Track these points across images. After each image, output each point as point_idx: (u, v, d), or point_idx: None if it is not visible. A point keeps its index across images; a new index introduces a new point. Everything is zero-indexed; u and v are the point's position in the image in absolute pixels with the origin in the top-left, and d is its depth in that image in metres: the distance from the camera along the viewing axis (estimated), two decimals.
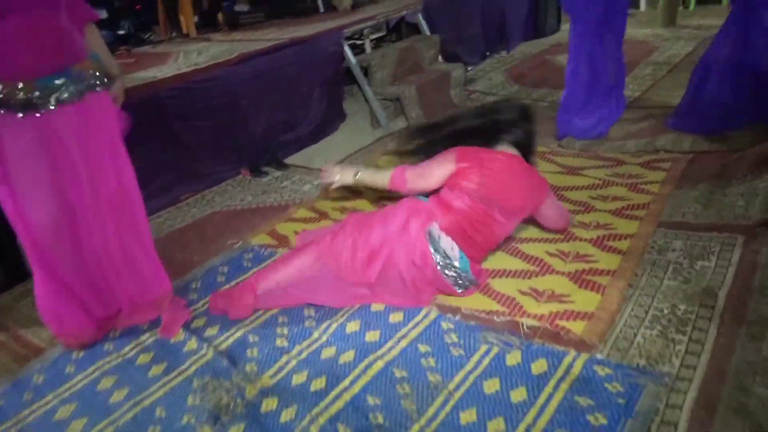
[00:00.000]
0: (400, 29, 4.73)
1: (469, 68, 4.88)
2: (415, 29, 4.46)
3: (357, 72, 3.65)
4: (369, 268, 1.80)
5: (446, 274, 1.83)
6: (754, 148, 2.60)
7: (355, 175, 1.93)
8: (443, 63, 4.28)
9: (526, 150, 2.00)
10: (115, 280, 1.87)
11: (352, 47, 3.92)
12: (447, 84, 4.02)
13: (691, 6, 6.45)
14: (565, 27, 6.22)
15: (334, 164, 2.00)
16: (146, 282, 1.93)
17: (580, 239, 2.19)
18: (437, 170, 1.88)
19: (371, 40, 4.30)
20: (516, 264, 2.10)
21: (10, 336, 2.03)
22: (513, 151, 1.97)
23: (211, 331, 1.93)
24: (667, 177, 2.55)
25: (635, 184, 2.54)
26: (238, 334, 1.89)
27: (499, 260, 2.14)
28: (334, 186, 1.97)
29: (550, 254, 2.12)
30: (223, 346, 1.85)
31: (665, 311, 1.72)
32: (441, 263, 1.82)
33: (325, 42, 3.55)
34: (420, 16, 4.29)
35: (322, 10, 4.79)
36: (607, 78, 3.08)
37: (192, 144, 3.03)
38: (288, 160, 3.42)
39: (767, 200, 2.16)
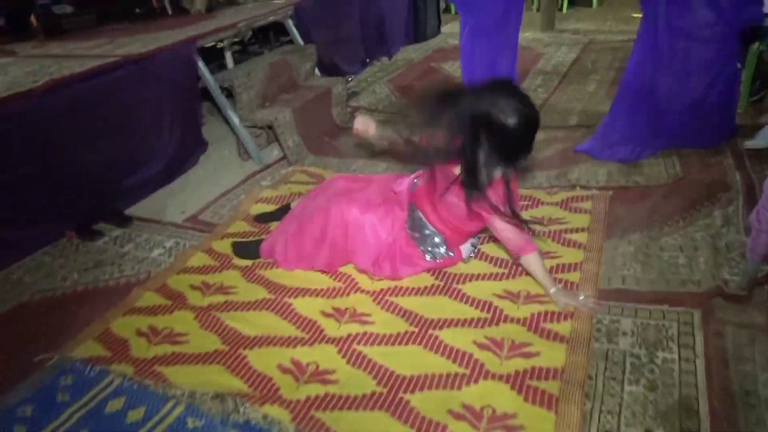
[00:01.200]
0: (268, 36, 4.08)
1: (349, 79, 4.35)
2: (286, 34, 3.83)
3: (216, 94, 2.96)
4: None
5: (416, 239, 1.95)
6: (675, 181, 2.35)
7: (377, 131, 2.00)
8: (321, 77, 3.71)
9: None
10: None
11: (209, 59, 3.21)
12: (328, 102, 3.45)
13: (564, 9, 6.45)
14: (447, 29, 5.92)
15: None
16: None
17: (512, 319, 1.76)
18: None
19: (233, 53, 3.60)
20: (439, 364, 1.61)
21: None
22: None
23: None
24: (592, 222, 2.20)
25: (559, 233, 2.17)
26: None
27: (416, 358, 1.65)
28: (371, 135, 2.01)
29: (480, 345, 1.67)
30: None
31: None
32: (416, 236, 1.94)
33: (172, 57, 2.81)
34: (290, 23, 3.67)
35: (170, 12, 3.97)
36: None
37: None
38: (132, 211, 2.67)
39: (712, 257, 1.86)
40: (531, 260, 1.78)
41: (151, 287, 2.08)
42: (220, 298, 2.00)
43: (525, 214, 2.32)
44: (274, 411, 1.51)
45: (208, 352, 1.75)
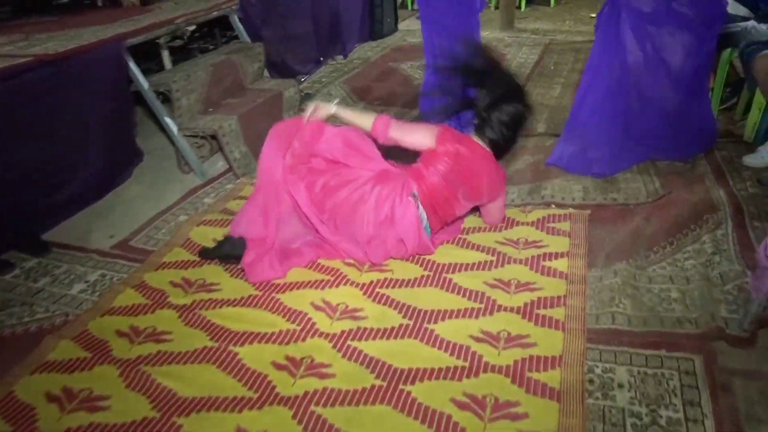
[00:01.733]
0: (213, 33, 3.73)
1: (302, 80, 4.06)
2: (233, 30, 3.50)
3: (151, 100, 2.61)
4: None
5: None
6: (657, 200, 2.19)
7: (333, 108, 1.99)
8: (271, 79, 3.40)
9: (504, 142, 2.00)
10: None
11: (144, 59, 2.86)
12: (279, 107, 3.15)
13: (522, 6, 6.32)
14: (404, 26, 5.68)
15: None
16: None
17: (493, 368, 1.54)
18: (418, 134, 1.96)
19: (172, 52, 3.24)
20: (407, 427, 1.39)
21: None
22: (486, 146, 1.99)
23: None
24: (572, 248, 2.01)
25: (537, 259, 1.97)
26: None
27: (380, 420, 1.41)
28: (318, 117, 1.98)
29: (460, 405, 1.43)
30: None
31: None
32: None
33: (97, 57, 2.45)
34: (236, 18, 3.33)
35: (99, 3, 3.55)
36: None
37: None
38: (50, 236, 2.31)
39: (706, 289, 1.70)
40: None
41: (68, 335, 1.75)
42: (151, 348, 1.69)
43: (499, 236, 2.13)
44: None
45: (135, 420, 1.45)
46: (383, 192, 1.87)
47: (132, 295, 1.93)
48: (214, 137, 2.68)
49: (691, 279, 1.76)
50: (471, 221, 2.24)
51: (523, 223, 2.20)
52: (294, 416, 1.44)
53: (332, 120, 1.99)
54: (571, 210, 2.23)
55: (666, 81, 2.28)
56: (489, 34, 5.25)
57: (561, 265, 1.93)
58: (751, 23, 2.65)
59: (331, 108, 1.98)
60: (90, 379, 1.59)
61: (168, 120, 2.63)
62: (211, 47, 3.83)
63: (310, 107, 1.98)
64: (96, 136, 2.54)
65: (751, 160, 2.35)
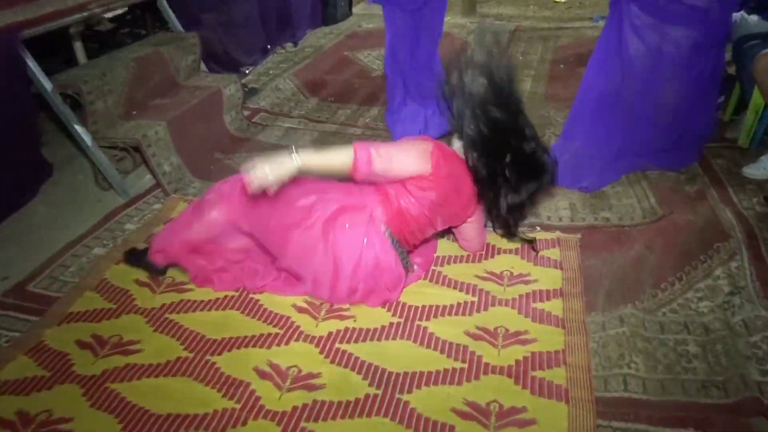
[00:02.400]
0: (143, 21, 3.24)
1: (246, 71, 3.62)
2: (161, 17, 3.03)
3: (56, 104, 2.15)
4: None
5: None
6: (656, 222, 1.92)
7: (297, 162, 1.41)
8: (209, 74, 2.96)
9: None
10: None
11: (51, 52, 2.38)
12: (218, 107, 2.73)
13: None
14: (359, 10, 5.27)
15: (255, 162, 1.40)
16: None
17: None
18: (407, 159, 1.56)
19: (89, 43, 2.75)
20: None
21: None
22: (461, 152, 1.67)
23: None
24: (565, 284, 1.71)
25: (526, 299, 1.67)
26: None
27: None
28: (274, 189, 1.42)
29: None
30: None
31: None
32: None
33: None
34: (165, 3, 2.87)
35: None
36: (429, 71, 2.50)
37: None
38: None
39: (730, 343, 1.43)
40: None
41: None
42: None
43: (479, 268, 1.82)
44: None
45: None
46: (349, 233, 1.53)
47: (23, 364, 1.51)
48: (137, 149, 2.24)
49: (710, 327, 1.49)
50: (445, 247, 1.92)
51: (505, 251, 1.90)
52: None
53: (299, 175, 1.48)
54: (559, 234, 1.93)
55: (670, 84, 2.00)
56: (450, 19, 4.90)
57: (555, 307, 1.63)
58: (740, 14, 2.41)
59: (294, 164, 1.41)
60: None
61: (79, 128, 2.18)
62: (144, 33, 3.34)
63: (260, 171, 1.38)
64: None
65: (752, 171, 2.11)
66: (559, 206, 2.09)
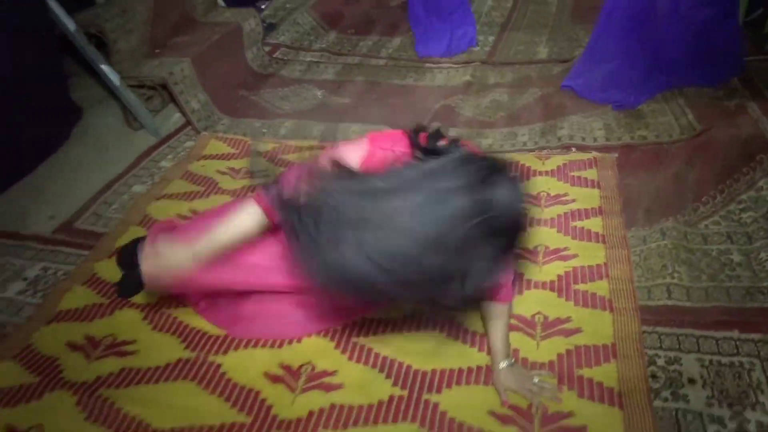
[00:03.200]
0: None
1: (262, 6, 3.52)
2: None
3: (81, 45, 2.13)
4: None
5: None
6: (695, 138, 1.89)
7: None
8: (226, 9, 2.89)
9: None
10: None
11: None
12: (239, 44, 2.69)
13: None
14: None
15: None
16: None
17: (533, 366, 1.27)
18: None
19: None
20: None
21: None
22: None
23: None
24: (604, 202, 1.72)
25: (565, 218, 1.68)
26: None
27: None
28: None
29: (492, 414, 1.18)
30: None
31: None
32: None
33: None
34: None
35: None
36: None
37: None
38: None
39: None
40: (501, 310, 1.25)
41: (7, 354, 1.41)
42: (112, 365, 1.37)
43: None
44: None
45: None
46: None
47: (82, 293, 1.58)
48: (164, 86, 2.23)
49: (754, 236, 1.49)
50: None
51: (541, 173, 1.89)
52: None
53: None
54: (595, 154, 1.92)
55: None
56: None
57: (594, 225, 1.64)
58: None
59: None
60: (37, 412, 1.28)
61: (106, 68, 2.17)
62: None
63: None
64: (18, 96, 2.07)
65: None
66: (593, 127, 2.06)
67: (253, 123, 2.36)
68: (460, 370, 1.28)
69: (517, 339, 1.33)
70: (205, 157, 2.15)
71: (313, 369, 1.32)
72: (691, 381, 1.20)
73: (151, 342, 1.43)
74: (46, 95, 2.21)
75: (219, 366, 1.35)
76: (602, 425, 1.14)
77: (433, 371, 1.28)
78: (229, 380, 1.32)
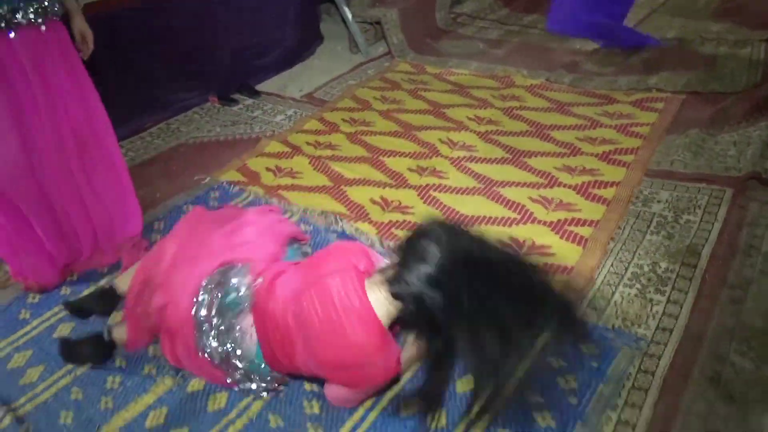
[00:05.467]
0: None
1: None
2: None
3: None
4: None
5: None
6: (752, 90, 2.47)
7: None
8: None
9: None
10: (80, 222, 1.76)
11: None
12: (432, 6, 3.74)
13: None
14: None
15: None
16: (114, 222, 1.84)
17: (565, 185, 2.10)
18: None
19: None
20: (496, 210, 2.02)
21: None
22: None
23: None
24: (658, 120, 2.42)
25: (625, 125, 2.42)
26: None
27: (477, 205, 2.05)
28: None
29: (533, 200, 2.04)
30: None
31: (645, 268, 1.66)
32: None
33: None
34: None
35: None
36: None
37: (153, 69, 2.79)
38: (260, 87, 3.20)
39: (760, 150, 2.06)
40: None
41: (276, 139, 2.61)
42: (328, 152, 2.49)
43: (597, 110, 2.58)
44: (364, 226, 2.00)
45: (318, 185, 2.26)
46: None
47: (315, 123, 2.74)
48: (378, 23, 3.37)
49: (752, 143, 2.12)
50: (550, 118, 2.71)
51: (622, 102, 2.63)
52: (418, 195, 2.15)
53: None
54: (668, 94, 2.60)
55: None
56: None
57: (644, 130, 2.37)
58: None
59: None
60: (290, 163, 2.43)
61: (345, 8, 3.37)
62: None
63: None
64: (293, 19, 3.36)
65: None
66: (678, 81, 2.72)
67: (430, 58, 3.39)
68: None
69: (559, 175, 2.15)
70: (395, 71, 3.24)
71: (434, 169, 2.30)
72: (658, 201, 1.93)
73: (349, 147, 2.52)
74: (305, 25, 3.49)
75: (383, 161, 2.40)
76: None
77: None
78: (387, 167, 2.35)
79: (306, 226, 2.03)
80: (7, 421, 1.43)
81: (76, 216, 1.74)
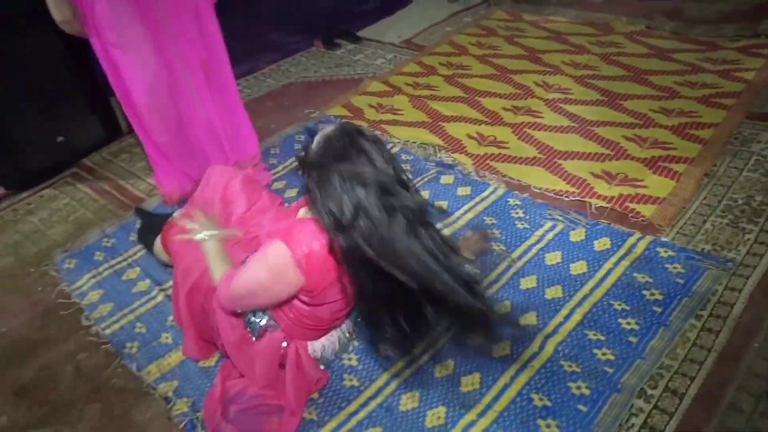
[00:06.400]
0: None
1: None
2: None
3: None
4: None
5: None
6: None
7: (204, 239, 1.36)
8: None
9: None
10: (209, 142, 2.01)
11: None
12: None
13: None
14: None
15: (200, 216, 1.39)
16: (239, 144, 2.08)
17: (661, 126, 2.14)
18: (280, 292, 1.20)
19: None
20: (590, 147, 2.10)
21: (113, 187, 2.25)
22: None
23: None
24: (765, 65, 2.37)
25: (728, 71, 2.39)
26: None
27: (572, 142, 2.14)
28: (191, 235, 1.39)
29: (627, 138, 2.11)
30: None
31: (740, 201, 1.71)
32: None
33: None
34: None
35: None
36: None
37: (264, 13, 3.03)
38: (361, 33, 3.37)
39: None
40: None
41: (377, 80, 2.79)
42: (426, 92, 2.64)
43: (699, 56, 2.55)
44: (460, 157, 2.15)
45: (417, 121, 2.43)
46: None
47: (414, 66, 2.89)
48: None
49: None
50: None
51: (726, 48, 2.58)
52: (513, 132, 2.27)
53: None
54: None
55: None
56: None
57: (749, 75, 2.34)
58: None
59: (197, 237, 1.36)
60: (391, 101, 2.60)
61: None
62: None
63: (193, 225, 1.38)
64: None
65: None
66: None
67: (527, 6, 3.41)
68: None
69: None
70: (491, 19, 3.30)
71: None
72: (758, 142, 1.94)
73: (446, 88, 2.65)
74: None
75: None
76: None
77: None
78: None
79: (407, 155, 2.21)
80: (160, 297, 1.73)
81: (206, 137, 1.99)
